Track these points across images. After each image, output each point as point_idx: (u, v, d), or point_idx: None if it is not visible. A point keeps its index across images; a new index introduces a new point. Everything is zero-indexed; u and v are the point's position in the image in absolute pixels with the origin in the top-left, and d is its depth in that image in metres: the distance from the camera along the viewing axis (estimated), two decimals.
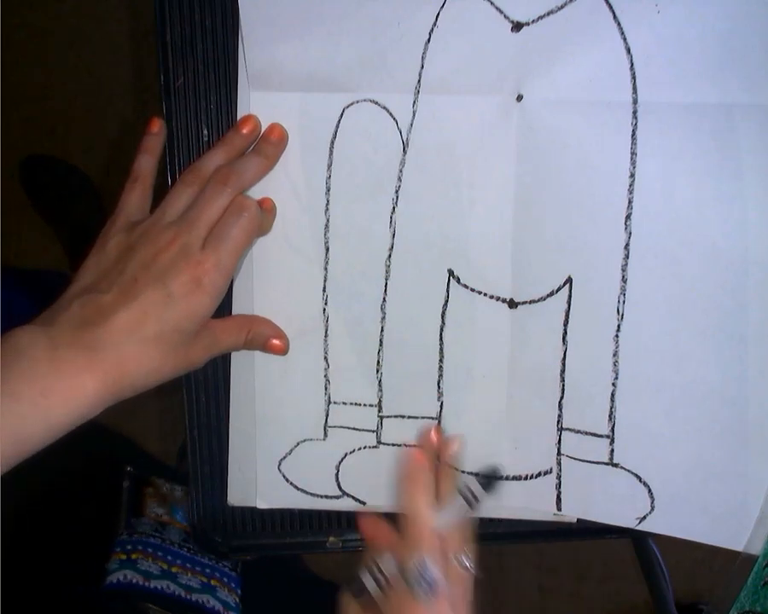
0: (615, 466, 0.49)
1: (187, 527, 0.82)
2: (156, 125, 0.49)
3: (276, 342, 0.49)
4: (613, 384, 0.49)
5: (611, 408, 0.49)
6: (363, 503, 0.52)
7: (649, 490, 0.49)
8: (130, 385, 0.42)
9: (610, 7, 0.45)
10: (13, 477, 0.40)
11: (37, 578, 0.73)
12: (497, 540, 0.54)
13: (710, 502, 0.49)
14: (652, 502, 0.49)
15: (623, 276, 0.48)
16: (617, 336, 0.48)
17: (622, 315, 0.48)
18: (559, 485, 0.50)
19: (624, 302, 0.48)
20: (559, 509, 0.51)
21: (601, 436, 0.49)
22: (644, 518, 0.50)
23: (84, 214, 1.21)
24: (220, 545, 0.55)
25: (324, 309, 0.50)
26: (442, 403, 0.50)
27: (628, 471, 0.49)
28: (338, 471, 0.51)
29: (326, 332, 0.50)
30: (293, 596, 0.94)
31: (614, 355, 0.49)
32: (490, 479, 0.46)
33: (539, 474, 0.50)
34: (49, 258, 1.28)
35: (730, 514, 0.49)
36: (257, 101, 0.49)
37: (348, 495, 0.52)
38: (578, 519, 0.52)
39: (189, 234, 0.44)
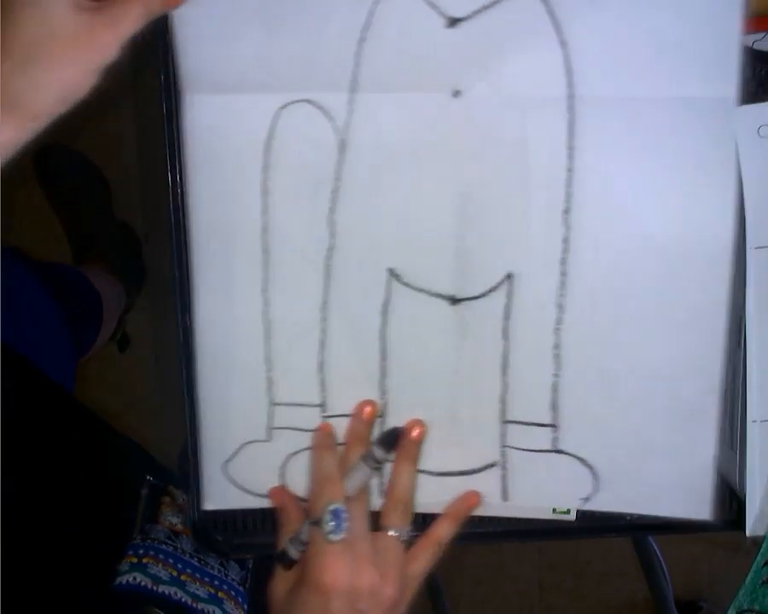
0: (559, 452, 0.51)
1: None
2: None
3: None
4: (555, 375, 0.50)
5: (553, 398, 0.50)
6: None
7: (593, 472, 0.51)
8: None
9: (544, 1, 0.45)
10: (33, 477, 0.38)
11: (47, 576, 0.74)
12: (497, 538, 0.55)
13: (653, 476, 0.50)
14: (596, 483, 0.51)
15: (562, 270, 0.48)
16: (557, 329, 0.49)
17: (562, 307, 0.49)
18: (504, 476, 0.51)
19: (564, 295, 0.49)
20: (505, 499, 0.52)
21: (544, 425, 0.50)
22: (588, 498, 0.51)
23: (94, 206, 1.20)
24: (221, 544, 0.55)
25: (265, 311, 0.50)
26: (386, 402, 0.51)
27: (572, 455, 0.51)
28: (283, 471, 0.52)
29: (268, 333, 0.50)
30: None
31: (555, 347, 0.49)
32: (388, 439, 0.48)
33: (485, 467, 0.51)
34: (50, 257, 1.23)
35: (674, 485, 0.50)
36: (191, 105, 0.48)
37: None
38: (577, 518, 0.53)
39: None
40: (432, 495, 0.52)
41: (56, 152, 1.20)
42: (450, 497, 0.52)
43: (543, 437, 0.51)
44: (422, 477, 0.51)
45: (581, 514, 0.53)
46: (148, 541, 0.77)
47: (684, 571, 1.28)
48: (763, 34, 0.48)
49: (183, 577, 0.76)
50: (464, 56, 0.46)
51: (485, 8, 0.45)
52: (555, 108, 0.47)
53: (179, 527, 0.82)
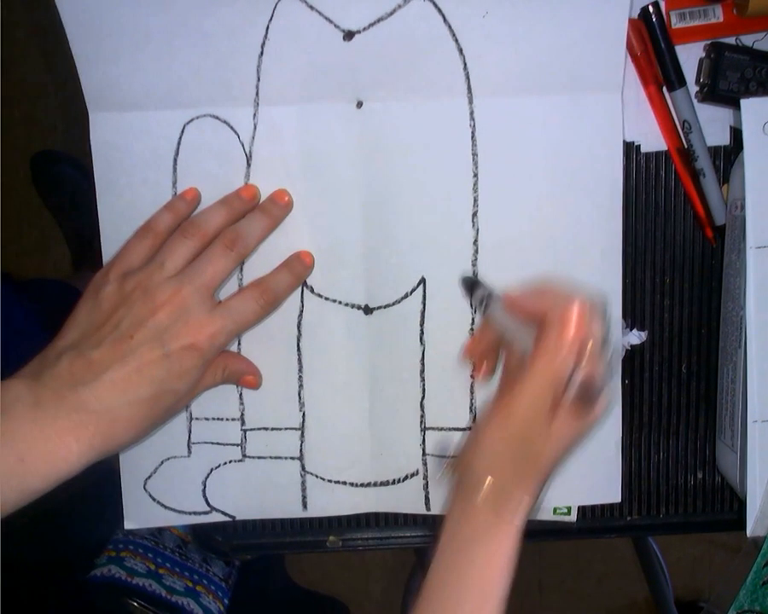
0: None
1: (183, 534, 0.84)
2: (191, 194, 0.47)
3: (249, 378, 0.49)
4: (472, 376, 0.50)
5: (471, 400, 0.51)
6: (233, 517, 0.52)
7: None
8: (117, 446, 0.41)
9: (439, 10, 0.46)
10: None
11: (29, 566, 0.76)
12: None
13: (565, 469, 0.51)
14: None
15: (474, 271, 0.49)
16: (472, 329, 0.50)
17: (475, 308, 0.50)
18: (426, 485, 0.52)
19: None
20: (428, 509, 0.52)
21: (463, 429, 0.51)
22: None
23: (92, 211, 1.18)
24: (221, 544, 0.55)
25: None
26: (304, 414, 0.51)
27: None
28: (205, 486, 0.51)
29: None
30: (282, 600, 0.97)
31: None
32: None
33: (406, 477, 0.52)
34: (49, 259, 1.25)
35: (586, 474, 0.51)
36: (96, 123, 0.48)
37: (217, 510, 0.52)
38: (577, 519, 0.53)
39: (189, 291, 0.42)
40: (354, 507, 0.52)
41: (53, 158, 1.21)
42: (374, 509, 0.52)
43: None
44: (344, 490, 0.51)
45: (581, 515, 0.54)
46: (131, 536, 0.81)
47: (685, 572, 1.29)
48: (763, 34, 0.50)
49: (160, 571, 0.79)
50: (364, 68, 0.47)
51: (381, 19, 0.46)
52: (457, 114, 0.48)
53: None
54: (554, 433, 0.39)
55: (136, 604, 0.75)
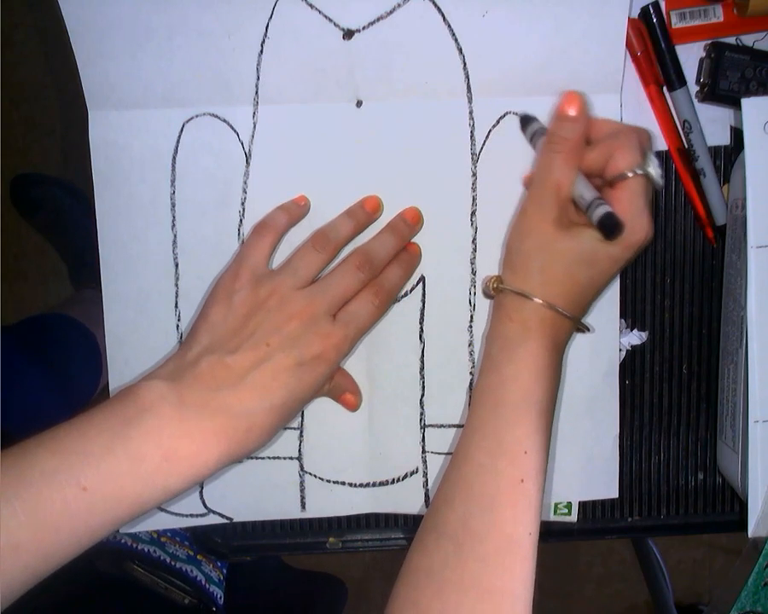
0: None
1: None
2: (303, 200, 0.48)
3: (348, 396, 0.49)
4: (471, 373, 0.50)
5: (470, 397, 0.51)
6: (231, 519, 0.51)
7: None
8: (247, 452, 0.41)
9: (439, 10, 0.47)
10: None
11: None
12: None
13: (564, 463, 0.51)
14: None
15: (472, 269, 0.49)
16: (470, 326, 0.50)
17: (474, 305, 0.50)
18: (426, 483, 0.52)
19: (475, 293, 0.50)
20: (428, 507, 0.52)
21: (463, 426, 0.51)
22: None
23: (79, 225, 1.20)
24: (220, 545, 0.54)
25: (178, 326, 0.49)
26: (303, 413, 0.50)
27: None
28: (202, 488, 0.51)
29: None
30: (278, 578, 0.96)
31: (470, 345, 0.50)
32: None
33: (406, 476, 0.52)
34: (48, 261, 1.25)
35: (584, 469, 0.51)
36: (96, 121, 0.48)
37: (214, 512, 0.51)
38: (578, 520, 0.53)
39: (321, 305, 0.43)
40: (353, 507, 0.52)
41: (32, 181, 1.21)
42: (373, 510, 0.52)
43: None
44: (343, 490, 0.51)
45: (581, 515, 0.53)
46: None
47: (685, 575, 1.29)
48: (763, 34, 0.50)
49: (162, 539, 0.80)
50: (364, 67, 0.47)
51: (381, 18, 0.46)
52: (457, 114, 0.48)
53: None
54: (564, 247, 0.42)
55: (141, 569, 0.75)
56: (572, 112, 0.44)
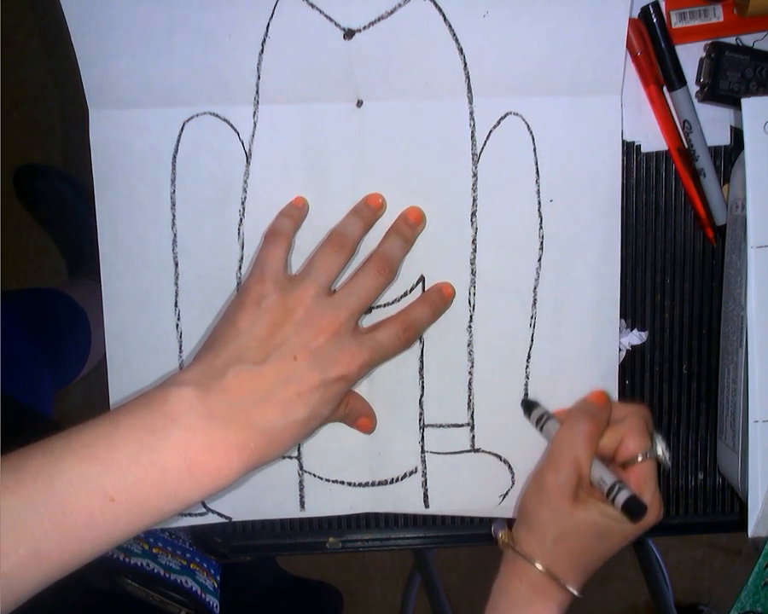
0: (477, 451, 0.51)
1: None
2: (301, 201, 0.48)
3: (365, 420, 0.49)
4: (470, 372, 0.50)
5: (469, 396, 0.51)
6: (229, 518, 0.52)
7: (509, 467, 0.52)
8: (265, 463, 0.41)
9: (439, 9, 0.47)
10: None
11: None
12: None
13: None
14: (512, 477, 0.52)
15: (472, 269, 0.49)
16: (470, 326, 0.50)
17: (473, 305, 0.50)
18: (425, 482, 0.52)
19: (474, 293, 0.50)
20: (427, 506, 0.52)
21: (461, 425, 0.51)
22: (506, 494, 0.52)
23: (79, 219, 1.21)
24: (220, 546, 0.54)
25: (177, 325, 0.49)
26: None
27: (489, 453, 0.51)
28: None
29: (180, 347, 0.50)
30: (273, 585, 0.96)
31: (469, 345, 0.50)
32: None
33: (405, 475, 0.52)
34: (48, 261, 1.26)
35: None
36: (96, 120, 0.48)
37: (213, 511, 0.51)
38: None
39: (347, 315, 0.44)
40: (352, 507, 0.52)
41: (36, 172, 1.21)
42: (372, 509, 0.52)
43: (460, 438, 0.51)
44: (342, 489, 0.51)
45: None
46: None
47: (685, 576, 1.29)
48: (763, 34, 0.50)
49: (155, 550, 0.78)
50: (365, 66, 0.47)
51: (381, 18, 0.46)
52: (457, 114, 0.48)
53: None
54: (580, 520, 0.45)
55: (134, 584, 0.75)
56: (599, 401, 0.48)
